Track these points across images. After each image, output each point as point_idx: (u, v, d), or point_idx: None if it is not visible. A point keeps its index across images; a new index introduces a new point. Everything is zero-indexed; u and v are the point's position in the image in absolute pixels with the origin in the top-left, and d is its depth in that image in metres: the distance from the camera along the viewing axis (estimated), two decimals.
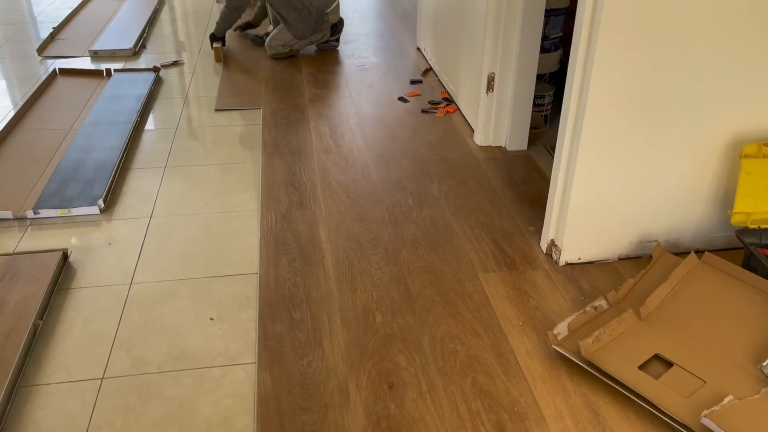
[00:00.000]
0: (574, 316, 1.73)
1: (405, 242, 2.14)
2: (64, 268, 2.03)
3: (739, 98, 1.81)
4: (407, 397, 1.57)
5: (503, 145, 2.76)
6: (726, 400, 1.45)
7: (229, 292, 1.93)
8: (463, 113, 3.04)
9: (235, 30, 4.16)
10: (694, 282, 1.82)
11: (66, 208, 2.31)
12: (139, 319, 1.83)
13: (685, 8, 1.65)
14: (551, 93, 2.85)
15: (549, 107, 2.88)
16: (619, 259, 2.04)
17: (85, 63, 3.81)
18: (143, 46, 4.10)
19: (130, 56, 3.91)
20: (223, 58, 3.86)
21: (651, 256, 1.96)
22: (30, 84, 3.46)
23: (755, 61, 1.76)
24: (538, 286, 1.93)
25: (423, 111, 3.12)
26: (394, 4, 4.99)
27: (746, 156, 1.85)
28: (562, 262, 2.01)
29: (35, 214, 2.29)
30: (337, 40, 3.99)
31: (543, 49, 2.62)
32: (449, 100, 3.21)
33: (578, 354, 1.61)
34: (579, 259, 2.02)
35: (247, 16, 4.41)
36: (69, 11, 4.68)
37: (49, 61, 3.82)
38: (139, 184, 2.53)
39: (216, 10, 4.79)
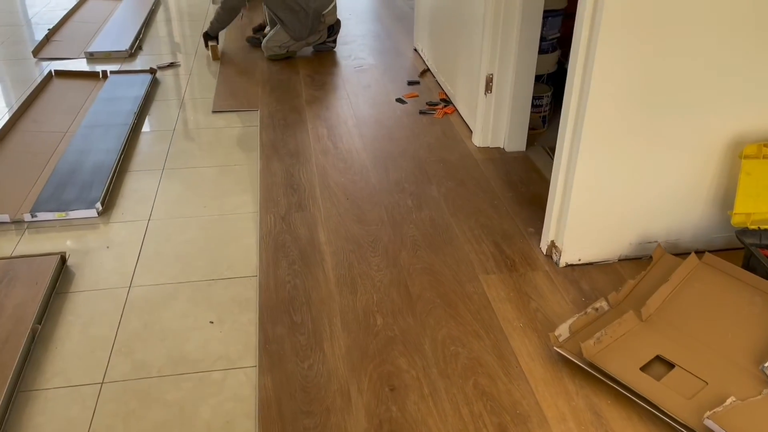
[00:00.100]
0: (575, 318, 1.73)
1: (405, 244, 2.13)
2: (63, 272, 2.01)
3: (739, 99, 1.82)
4: (409, 399, 1.56)
5: (502, 146, 2.76)
6: (728, 401, 1.45)
7: (229, 295, 1.92)
8: (461, 114, 3.03)
9: (249, 38, 4.12)
10: (695, 283, 1.82)
11: (64, 211, 2.29)
12: (139, 322, 1.82)
13: (685, 8, 1.65)
14: (549, 94, 2.85)
15: (547, 108, 2.88)
16: (619, 260, 2.04)
17: (80, 65, 3.79)
18: (139, 48, 4.08)
19: (126, 58, 3.90)
20: (220, 58, 3.85)
21: (651, 257, 1.96)
22: (25, 86, 3.45)
23: (755, 62, 1.76)
24: (539, 288, 1.93)
25: (421, 112, 3.11)
26: (390, 5, 4.99)
27: (746, 157, 1.85)
28: (562, 263, 2.01)
29: (33, 217, 2.27)
30: (334, 41, 3.98)
31: (541, 50, 2.62)
32: (447, 101, 3.20)
33: (580, 356, 1.61)
34: (579, 260, 2.01)
35: (260, 18, 4.41)
36: (64, 12, 4.66)
37: (45, 63, 3.80)
38: (136, 186, 2.52)
39: (212, 11, 4.78)
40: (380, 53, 3.96)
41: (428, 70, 3.60)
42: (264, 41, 3.81)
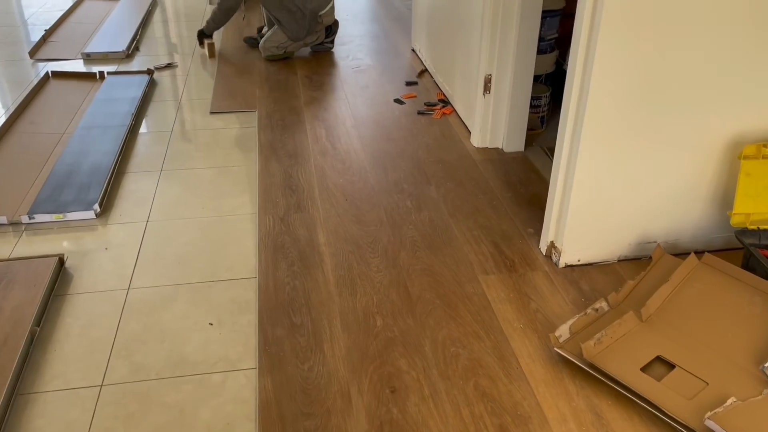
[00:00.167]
0: (575, 319, 1.73)
1: (404, 245, 2.13)
2: (61, 274, 2.01)
3: (738, 99, 1.82)
4: (410, 401, 1.56)
5: (500, 147, 2.76)
6: (729, 401, 1.45)
7: (229, 297, 1.92)
8: (460, 115, 3.03)
9: (246, 38, 4.11)
10: (695, 283, 1.82)
11: (61, 213, 2.28)
12: (138, 324, 1.81)
13: (685, 7, 1.65)
14: (548, 94, 2.85)
15: (545, 108, 2.88)
16: (618, 260, 2.04)
17: (77, 66, 3.78)
18: (136, 49, 4.07)
19: (123, 59, 3.89)
20: (217, 60, 3.85)
21: (651, 258, 1.96)
22: (22, 87, 3.43)
23: (755, 62, 1.76)
24: (539, 288, 1.93)
25: (419, 113, 3.11)
26: (387, 5, 4.99)
27: (745, 157, 1.85)
28: (561, 263, 2.01)
29: (30, 219, 2.26)
30: (332, 42, 3.98)
31: (539, 51, 2.62)
32: (445, 102, 3.20)
33: (580, 356, 1.61)
34: (579, 260, 2.01)
35: (258, 19, 4.41)
36: (60, 13, 4.65)
37: (41, 64, 3.79)
38: (134, 187, 2.51)
39: (208, 12, 4.77)
40: (378, 54, 3.96)
41: (426, 70, 3.60)
42: (261, 42, 3.81)
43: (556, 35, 2.86)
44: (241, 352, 1.72)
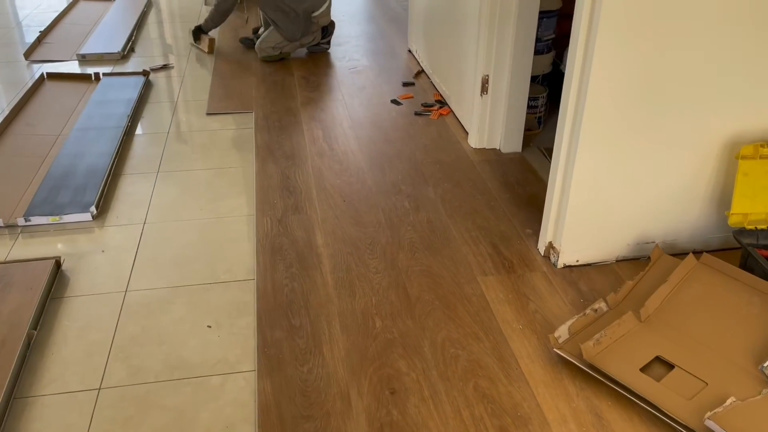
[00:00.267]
0: (574, 319, 1.73)
1: (402, 246, 2.13)
2: (57, 277, 2.00)
3: (737, 98, 1.82)
4: (409, 403, 1.56)
5: (498, 148, 2.76)
6: (728, 401, 1.45)
7: (227, 299, 1.91)
8: (457, 115, 3.03)
9: (243, 39, 4.12)
10: (693, 283, 1.82)
11: (57, 215, 2.27)
12: (136, 327, 1.80)
13: (684, 8, 1.65)
14: (545, 95, 2.86)
15: (543, 109, 2.88)
16: (617, 260, 2.04)
17: (73, 67, 3.76)
18: (132, 50, 4.06)
19: (118, 60, 3.88)
20: (214, 61, 3.84)
21: (649, 258, 1.96)
22: (17, 89, 3.42)
23: (754, 61, 1.77)
24: (537, 289, 1.93)
25: (416, 113, 3.11)
26: (384, 6, 4.98)
27: (743, 157, 1.85)
28: (560, 264, 2.01)
29: (26, 221, 2.25)
30: (328, 42, 3.97)
31: (536, 51, 2.62)
32: (442, 103, 3.20)
33: (580, 357, 1.61)
34: (577, 261, 2.01)
35: (257, 23, 4.41)
36: (55, 14, 4.63)
37: (36, 66, 3.77)
38: (131, 189, 2.50)
39: (204, 12, 4.76)
40: (374, 54, 3.95)
41: (423, 71, 3.60)
42: (257, 42, 3.80)
43: (553, 36, 2.86)
44: (239, 354, 1.71)
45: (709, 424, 1.41)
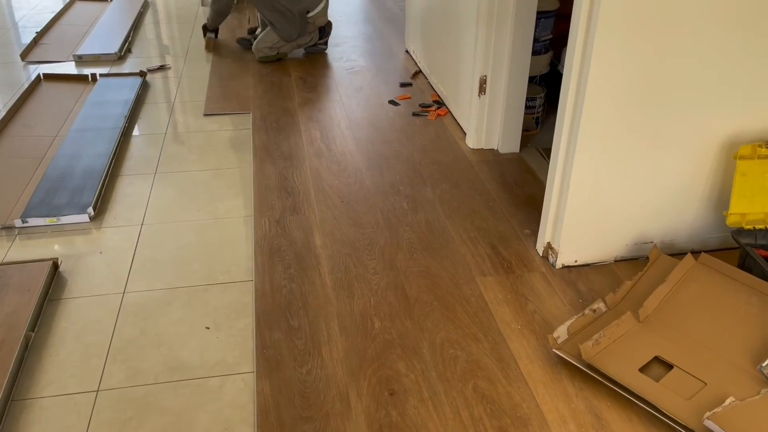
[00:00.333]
0: (573, 319, 1.73)
1: (401, 246, 2.12)
2: (55, 278, 1.99)
3: (734, 99, 1.82)
4: (409, 404, 1.55)
5: (495, 148, 2.76)
6: (727, 401, 1.45)
7: (225, 300, 1.90)
8: (454, 116, 3.03)
9: (240, 39, 4.12)
10: (691, 283, 1.82)
11: (55, 217, 2.27)
12: (134, 329, 1.80)
13: (682, 9, 1.66)
14: (542, 95, 2.86)
15: (540, 109, 2.88)
16: (615, 261, 2.04)
17: (69, 68, 3.75)
18: (128, 50, 4.05)
19: (115, 60, 3.87)
20: (211, 62, 3.84)
21: (647, 258, 1.96)
22: (14, 90, 3.41)
23: (751, 63, 1.77)
24: (536, 290, 1.93)
25: (414, 114, 3.11)
26: (381, 6, 4.98)
27: (741, 157, 1.86)
28: (558, 264, 2.01)
29: (23, 223, 2.25)
30: (326, 43, 3.97)
31: (534, 52, 2.62)
32: (440, 103, 3.20)
33: (579, 357, 1.61)
34: (575, 261, 2.02)
35: (251, 22, 4.42)
36: (52, 15, 4.62)
37: (33, 67, 3.76)
38: (129, 191, 2.49)
39: (201, 13, 4.76)
40: (372, 55, 3.95)
41: (420, 71, 3.60)
42: (255, 43, 3.80)
43: (551, 36, 2.87)
44: (238, 356, 1.71)
45: (708, 424, 1.41)
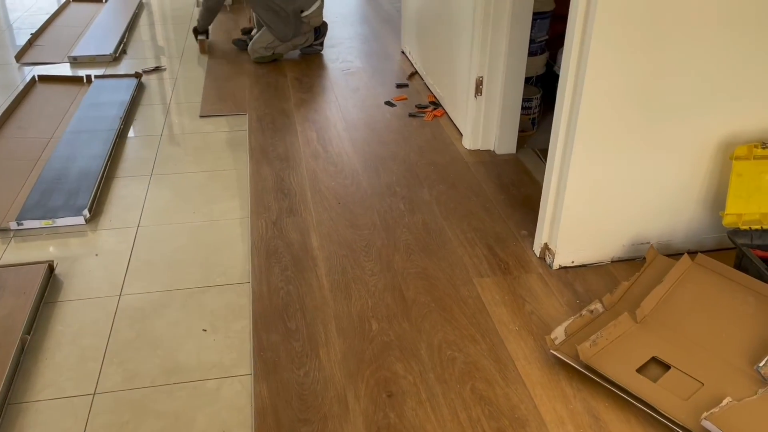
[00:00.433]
0: (570, 320, 1.73)
1: (398, 248, 2.12)
2: (51, 281, 1.98)
3: (730, 101, 1.83)
4: (407, 405, 1.55)
5: (492, 149, 2.76)
6: (724, 401, 1.45)
7: (222, 303, 1.90)
8: (451, 117, 3.03)
9: (235, 40, 4.12)
10: (688, 284, 1.83)
11: (50, 219, 2.26)
12: (130, 331, 1.79)
13: (678, 10, 1.66)
14: (539, 96, 2.86)
15: (537, 110, 2.89)
16: (612, 261, 2.05)
17: (64, 69, 3.74)
18: (124, 52, 4.04)
19: (110, 62, 3.86)
20: (207, 63, 3.83)
21: (644, 259, 1.97)
22: (9, 91, 3.39)
23: (747, 64, 1.78)
24: (533, 291, 1.93)
25: (410, 115, 3.11)
26: (376, 7, 4.98)
27: (737, 158, 1.86)
28: (555, 265, 2.01)
29: (18, 225, 2.24)
30: (321, 44, 3.97)
31: (530, 52, 2.62)
32: (436, 104, 3.20)
33: (576, 358, 1.61)
34: (572, 262, 2.02)
35: (246, 23, 4.42)
36: (46, 17, 4.60)
37: (28, 68, 3.75)
38: (124, 192, 2.48)
39: (196, 14, 4.74)
40: (368, 56, 3.95)
41: (416, 72, 3.60)
42: (250, 44, 3.79)
43: (547, 37, 2.87)
44: (235, 358, 1.70)
45: (706, 424, 1.41)
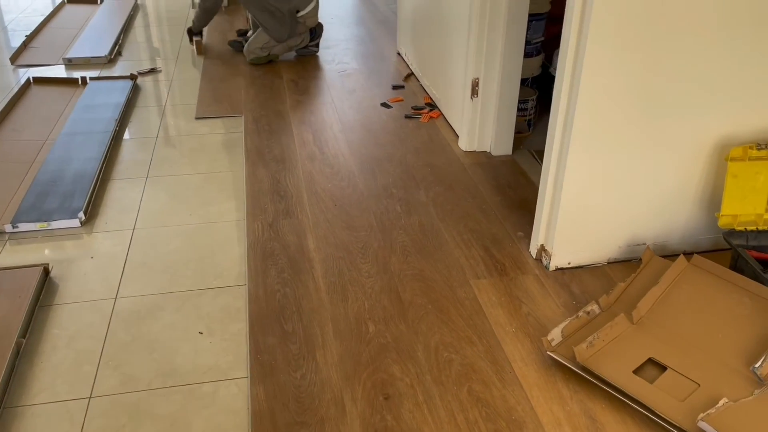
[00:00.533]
0: (567, 322, 1.73)
1: (394, 250, 2.12)
2: (46, 284, 1.97)
3: (726, 102, 1.83)
4: (404, 408, 1.55)
5: (488, 150, 2.76)
6: (721, 402, 1.46)
7: (218, 305, 1.89)
8: (447, 118, 3.03)
9: (231, 41, 4.11)
10: (684, 285, 1.83)
11: (45, 222, 2.25)
12: (126, 335, 1.79)
13: (674, 12, 1.66)
14: (534, 97, 2.86)
15: (532, 112, 2.89)
16: (608, 262, 2.05)
17: (59, 71, 3.73)
18: (119, 53, 4.03)
19: (105, 63, 3.85)
20: (202, 65, 3.83)
21: (640, 260, 1.97)
22: (3, 94, 3.38)
23: (743, 65, 1.78)
24: (530, 292, 1.93)
25: (406, 116, 3.11)
26: (372, 9, 4.98)
27: (732, 159, 1.87)
28: (552, 267, 2.01)
29: (13, 228, 2.23)
30: (317, 45, 3.96)
31: (525, 54, 2.63)
32: (432, 106, 3.20)
33: (573, 360, 1.61)
34: (569, 263, 2.02)
35: (241, 24, 4.42)
36: (41, 18, 4.59)
37: (23, 70, 3.74)
38: (120, 195, 2.48)
39: (191, 16, 4.73)
40: (364, 57, 3.95)
41: (412, 74, 3.60)
42: (246, 45, 3.79)
43: (542, 38, 2.87)
44: (231, 361, 1.70)
45: (702, 425, 1.41)
